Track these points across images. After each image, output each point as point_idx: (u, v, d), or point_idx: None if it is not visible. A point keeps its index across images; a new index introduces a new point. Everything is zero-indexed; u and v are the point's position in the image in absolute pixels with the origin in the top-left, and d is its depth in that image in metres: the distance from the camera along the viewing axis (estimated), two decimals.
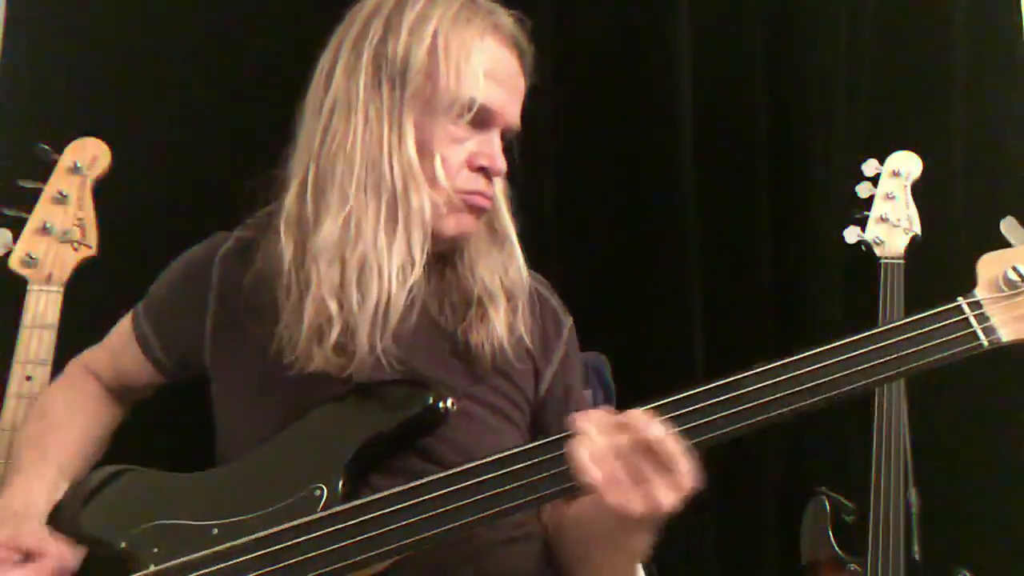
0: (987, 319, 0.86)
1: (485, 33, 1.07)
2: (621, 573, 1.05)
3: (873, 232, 1.78)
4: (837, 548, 1.73)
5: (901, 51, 2.03)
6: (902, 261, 1.76)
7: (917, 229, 1.77)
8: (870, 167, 1.81)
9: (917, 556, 1.66)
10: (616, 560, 1.04)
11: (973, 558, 1.72)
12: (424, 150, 1.05)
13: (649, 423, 0.85)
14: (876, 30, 2.03)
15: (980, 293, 0.88)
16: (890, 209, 1.78)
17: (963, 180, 1.99)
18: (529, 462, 0.90)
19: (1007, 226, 0.95)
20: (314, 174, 1.06)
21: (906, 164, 1.80)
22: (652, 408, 0.88)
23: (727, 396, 0.87)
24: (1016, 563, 1.88)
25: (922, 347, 0.86)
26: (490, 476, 0.91)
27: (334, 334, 1.01)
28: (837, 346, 0.87)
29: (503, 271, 1.13)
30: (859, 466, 1.76)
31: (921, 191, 1.80)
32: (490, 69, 1.06)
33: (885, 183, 1.80)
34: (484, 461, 0.92)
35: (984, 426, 1.92)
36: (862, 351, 0.86)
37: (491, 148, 1.07)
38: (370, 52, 1.06)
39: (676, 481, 0.84)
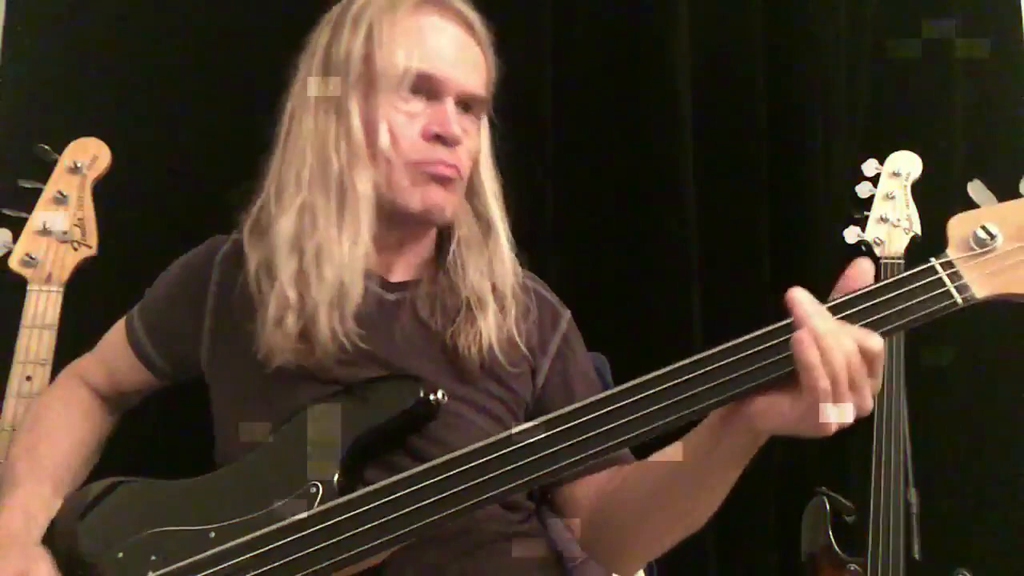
0: (960, 277, 0.88)
1: (418, 9, 1.09)
2: (728, 484, 1.01)
3: (873, 232, 1.78)
4: (837, 548, 1.73)
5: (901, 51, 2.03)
6: (902, 261, 1.76)
7: (917, 229, 1.77)
8: (870, 167, 1.81)
9: (917, 556, 1.66)
10: (724, 475, 1.00)
11: (973, 558, 1.72)
12: (370, 130, 1.07)
13: (869, 333, 0.83)
14: (876, 30, 2.03)
15: (952, 253, 0.90)
16: (890, 209, 1.78)
17: (963, 180, 1.98)
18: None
19: (974, 188, 0.98)
20: (276, 176, 1.11)
21: (906, 164, 1.80)
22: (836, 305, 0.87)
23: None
24: (1016, 563, 1.88)
25: (901, 307, 0.87)
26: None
27: (292, 320, 1.04)
28: (829, 307, 0.87)
29: (491, 270, 1.14)
30: (859, 466, 1.76)
31: (921, 191, 1.80)
32: (428, 39, 1.08)
33: (885, 183, 1.80)
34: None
35: (984, 425, 1.92)
36: (849, 311, 0.87)
37: (442, 115, 1.08)
38: (320, 56, 1.11)
39: (869, 390, 0.83)
